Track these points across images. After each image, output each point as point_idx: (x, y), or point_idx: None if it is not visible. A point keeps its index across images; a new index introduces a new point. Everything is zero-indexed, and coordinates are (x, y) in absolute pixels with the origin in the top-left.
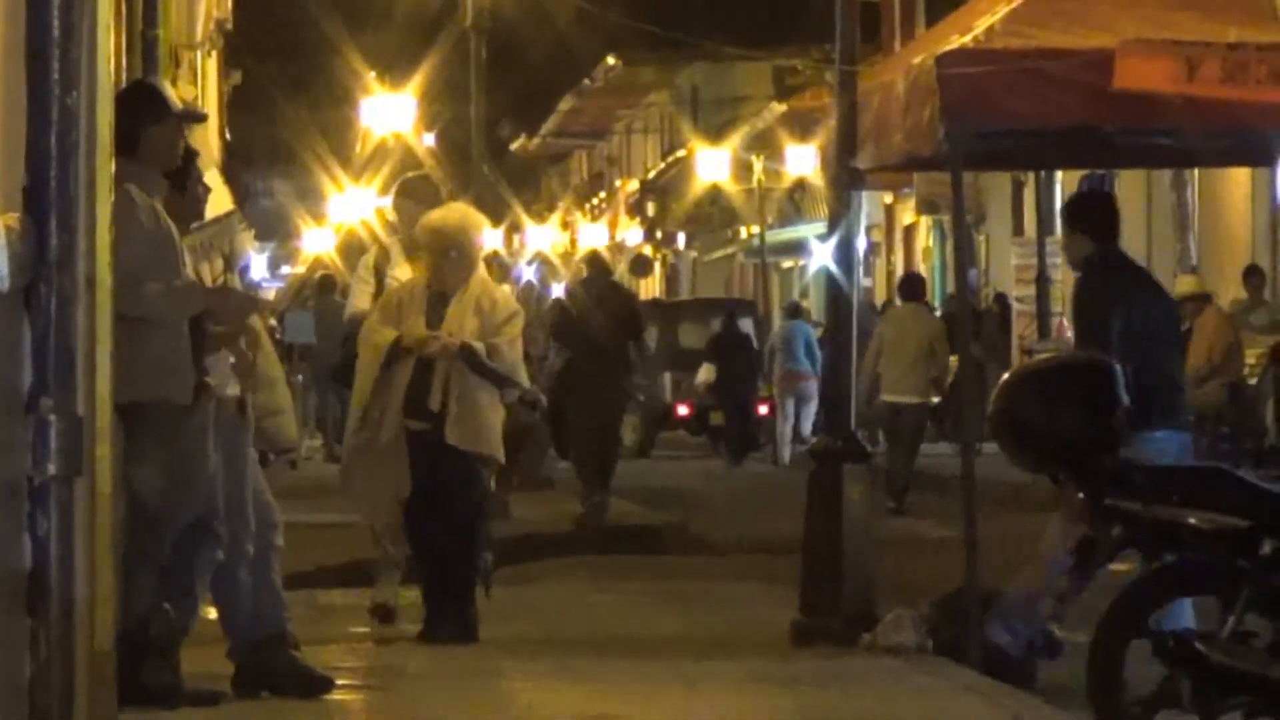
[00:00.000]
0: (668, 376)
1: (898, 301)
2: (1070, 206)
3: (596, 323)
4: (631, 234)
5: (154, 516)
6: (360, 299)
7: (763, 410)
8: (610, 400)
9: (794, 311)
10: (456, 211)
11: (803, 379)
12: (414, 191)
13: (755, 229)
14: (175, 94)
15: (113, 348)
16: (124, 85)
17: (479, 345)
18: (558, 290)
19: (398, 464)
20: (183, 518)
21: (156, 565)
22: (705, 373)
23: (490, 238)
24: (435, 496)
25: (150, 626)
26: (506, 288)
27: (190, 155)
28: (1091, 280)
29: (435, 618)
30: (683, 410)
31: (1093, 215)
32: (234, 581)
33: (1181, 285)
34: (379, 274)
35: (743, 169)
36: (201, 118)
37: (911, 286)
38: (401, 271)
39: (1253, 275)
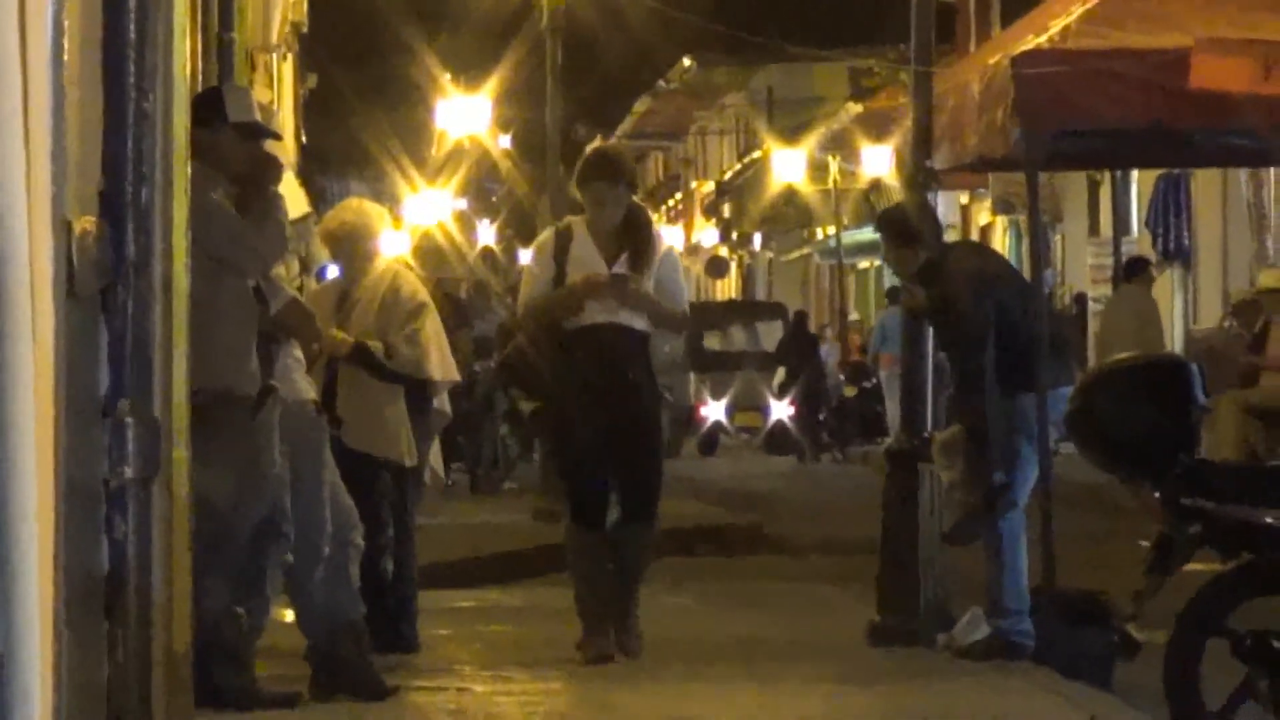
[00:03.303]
0: (692, 378)
1: None
2: (898, 224)
3: None
4: (707, 235)
5: (221, 519)
6: (531, 287)
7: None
8: None
9: (896, 296)
10: (348, 209)
11: None
12: (605, 171)
13: (831, 230)
14: (253, 100)
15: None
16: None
17: (375, 344)
18: None
19: None
20: (249, 519)
21: (226, 567)
22: (779, 375)
23: None
24: None
25: (222, 629)
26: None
27: (265, 163)
28: (953, 279)
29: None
30: (704, 412)
31: (924, 228)
32: (310, 583)
33: (1265, 279)
34: (559, 258)
35: (818, 170)
36: (269, 133)
37: None
38: (584, 250)
39: None
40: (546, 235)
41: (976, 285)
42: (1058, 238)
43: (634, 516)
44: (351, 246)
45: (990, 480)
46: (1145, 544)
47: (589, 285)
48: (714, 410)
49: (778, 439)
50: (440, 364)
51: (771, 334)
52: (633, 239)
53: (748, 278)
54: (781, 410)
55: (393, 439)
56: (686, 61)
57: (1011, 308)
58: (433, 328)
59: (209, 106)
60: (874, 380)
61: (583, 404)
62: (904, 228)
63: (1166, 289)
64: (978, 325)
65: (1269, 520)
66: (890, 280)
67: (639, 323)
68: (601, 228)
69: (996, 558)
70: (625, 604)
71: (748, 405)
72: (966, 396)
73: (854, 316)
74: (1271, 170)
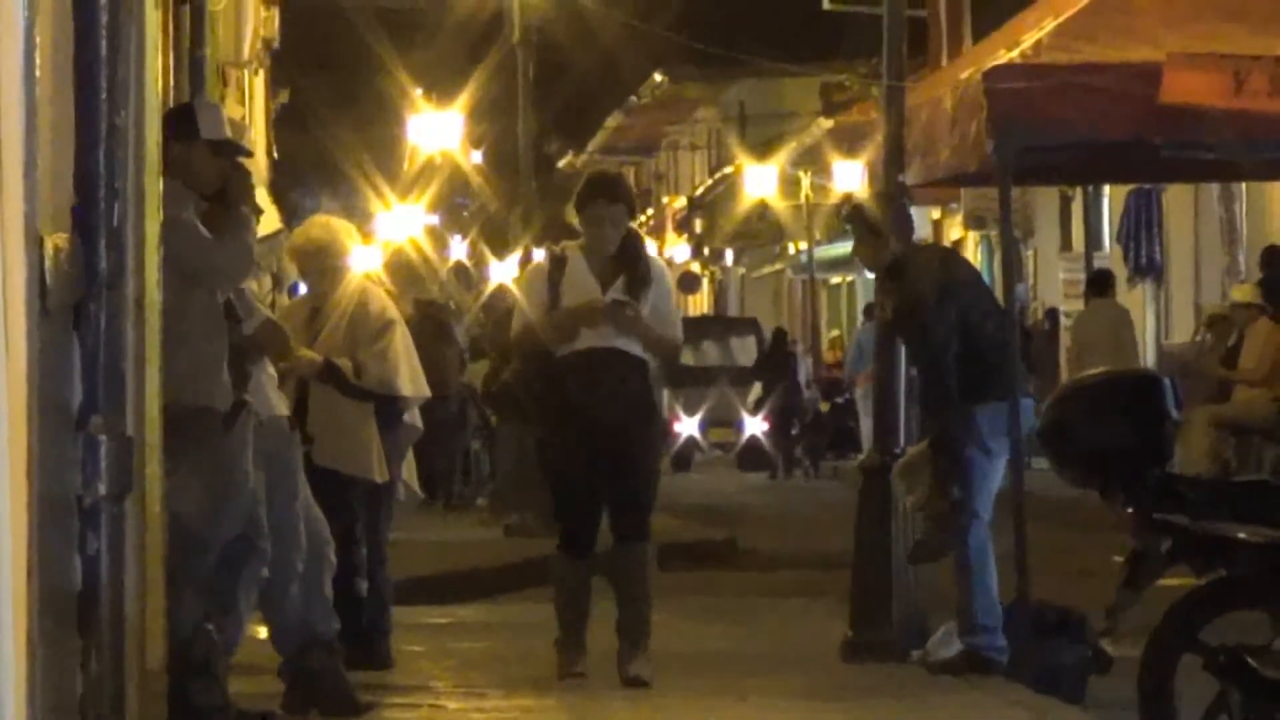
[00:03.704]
0: (665, 394)
1: None
2: (869, 217)
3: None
4: (679, 250)
5: (194, 534)
6: (524, 313)
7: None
8: None
9: (873, 313)
10: (316, 225)
11: None
12: (604, 191)
13: (803, 245)
14: (224, 117)
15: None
16: (171, 105)
17: (344, 362)
18: None
19: None
20: (223, 535)
21: (199, 584)
22: (755, 391)
23: (540, 256)
24: None
25: (195, 646)
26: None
27: (237, 179)
28: (921, 278)
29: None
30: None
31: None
32: (283, 598)
33: (1238, 293)
34: (554, 283)
35: (790, 185)
36: (241, 151)
37: None
38: (579, 276)
39: None
40: (540, 262)
41: (944, 285)
42: (1030, 253)
43: (629, 536)
44: (319, 263)
45: (950, 493)
46: (1118, 559)
47: (588, 311)
48: (688, 426)
49: (751, 454)
50: (410, 379)
51: (745, 350)
52: (630, 264)
53: (720, 293)
54: (755, 426)
55: (363, 456)
56: (658, 76)
57: (974, 315)
58: (402, 343)
59: (181, 122)
60: (847, 395)
61: (576, 430)
62: (875, 221)
63: (1139, 304)
64: (942, 325)
65: (1241, 535)
66: (865, 296)
67: (635, 348)
68: (598, 251)
69: (965, 574)
70: (632, 629)
71: (722, 421)
72: (931, 406)
73: (835, 333)
74: (1243, 185)
